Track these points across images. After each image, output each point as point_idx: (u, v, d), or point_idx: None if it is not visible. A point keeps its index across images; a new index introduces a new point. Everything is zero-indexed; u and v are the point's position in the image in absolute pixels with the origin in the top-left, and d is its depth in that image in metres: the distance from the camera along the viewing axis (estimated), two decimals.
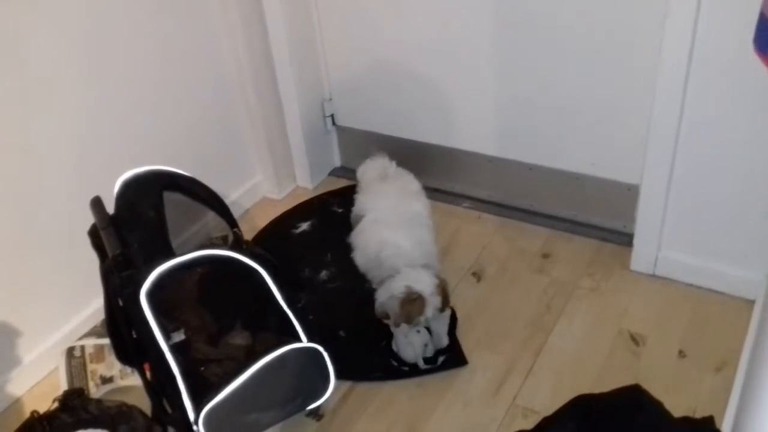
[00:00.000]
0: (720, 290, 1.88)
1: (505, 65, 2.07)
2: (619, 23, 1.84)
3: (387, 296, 1.71)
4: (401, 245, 1.80)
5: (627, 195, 2.02)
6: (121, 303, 1.48)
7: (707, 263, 1.89)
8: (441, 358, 1.80)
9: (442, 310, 1.75)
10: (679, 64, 1.66)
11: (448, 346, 1.82)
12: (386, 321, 1.75)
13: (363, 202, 2.00)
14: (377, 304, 1.75)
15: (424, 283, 1.69)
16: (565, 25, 1.91)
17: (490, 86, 2.12)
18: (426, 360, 1.79)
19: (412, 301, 1.67)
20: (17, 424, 1.51)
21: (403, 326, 1.73)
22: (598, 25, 1.87)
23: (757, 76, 1.56)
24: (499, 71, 2.09)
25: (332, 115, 2.50)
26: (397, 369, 1.79)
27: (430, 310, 1.69)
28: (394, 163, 2.08)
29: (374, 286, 1.82)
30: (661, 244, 1.94)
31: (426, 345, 1.78)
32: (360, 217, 1.95)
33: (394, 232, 1.83)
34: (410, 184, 2.01)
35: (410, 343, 1.77)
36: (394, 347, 1.82)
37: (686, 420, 1.33)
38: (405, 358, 1.79)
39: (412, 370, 1.78)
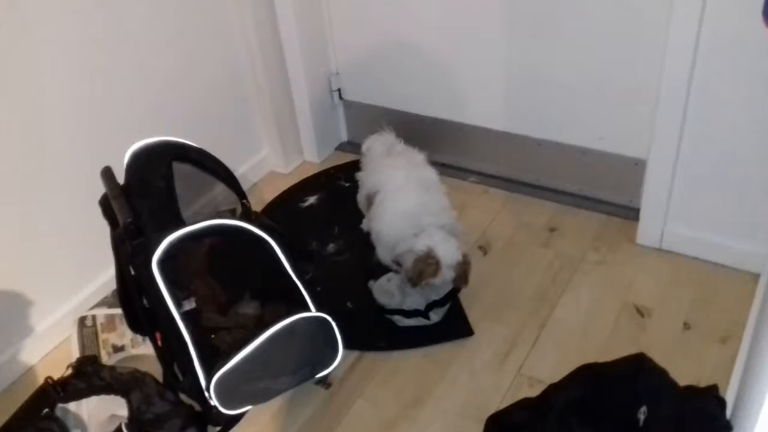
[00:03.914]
0: (725, 264, 1.89)
1: (514, 40, 2.06)
2: None
3: (406, 249, 1.73)
4: (429, 205, 1.82)
5: (634, 169, 2.03)
6: (132, 271, 1.50)
7: (713, 237, 1.90)
8: (434, 315, 1.82)
9: (456, 288, 1.79)
10: (688, 38, 1.66)
11: (452, 314, 1.84)
12: (395, 268, 1.78)
13: (374, 178, 1.99)
14: (394, 254, 1.78)
15: (448, 253, 1.71)
16: None
17: (497, 61, 2.12)
18: (419, 313, 1.81)
19: (428, 264, 1.70)
20: (32, 390, 1.55)
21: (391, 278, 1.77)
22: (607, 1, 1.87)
23: (766, 49, 1.57)
24: (508, 46, 2.08)
25: (339, 90, 2.50)
26: (403, 340, 1.81)
27: (439, 280, 1.71)
28: (400, 139, 2.08)
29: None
30: (667, 218, 1.94)
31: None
32: (374, 194, 1.94)
33: (419, 196, 1.84)
34: (416, 156, 2.02)
35: (385, 291, 1.82)
36: (376, 296, 1.87)
37: (690, 388, 1.34)
38: (384, 304, 1.83)
39: (418, 339, 1.80)
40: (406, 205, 1.83)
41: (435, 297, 1.81)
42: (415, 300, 1.82)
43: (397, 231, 1.81)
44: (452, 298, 1.85)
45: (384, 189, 1.91)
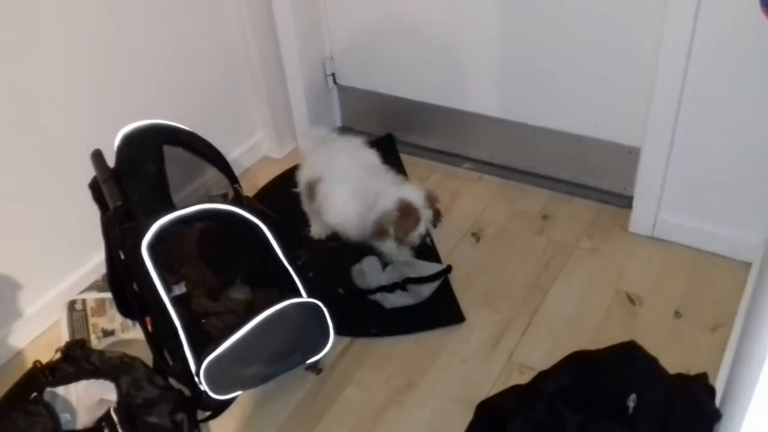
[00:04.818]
0: (718, 252, 1.90)
1: (509, 26, 2.05)
2: None
3: (381, 212, 1.74)
4: (374, 177, 1.84)
5: (628, 157, 2.02)
6: (122, 255, 1.49)
7: (706, 226, 1.90)
8: (425, 290, 1.84)
9: (435, 224, 1.81)
10: (684, 26, 1.65)
11: (444, 300, 1.85)
12: (382, 239, 1.78)
13: (314, 165, 1.93)
14: (371, 224, 1.77)
15: (415, 195, 1.75)
16: None
17: (493, 47, 2.11)
18: (398, 286, 1.83)
19: (408, 215, 1.72)
20: (20, 374, 1.54)
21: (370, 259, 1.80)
22: None
23: (762, 38, 1.56)
24: (503, 32, 2.07)
25: (333, 74, 2.48)
26: (394, 326, 1.80)
27: (423, 225, 1.75)
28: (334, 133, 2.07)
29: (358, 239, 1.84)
30: (660, 207, 1.94)
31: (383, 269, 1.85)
32: (316, 180, 1.88)
33: (363, 174, 1.84)
34: (354, 140, 2.01)
35: (360, 272, 1.85)
36: (357, 282, 1.87)
37: (679, 376, 1.35)
38: (363, 286, 1.85)
39: (409, 325, 1.80)
40: (353, 185, 1.83)
41: (412, 273, 1.83)
42: (392, 276, 1.84)
43: (354, 211, 1.82)
44: (443, 275, 1.87)
45: (326, 176, 1.87)
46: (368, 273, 1.84)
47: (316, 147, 2.01)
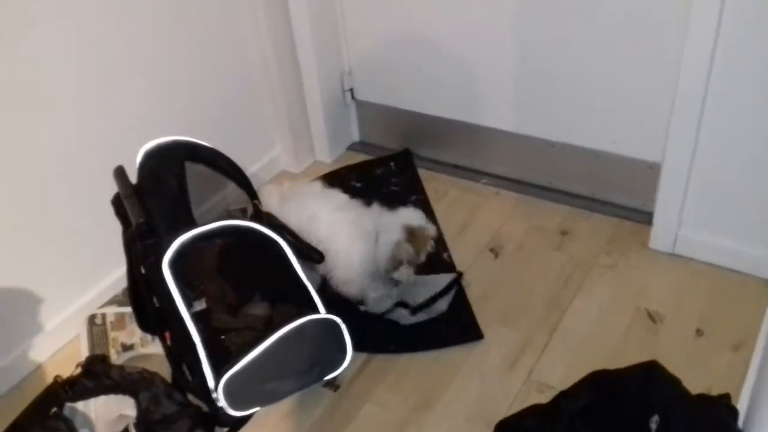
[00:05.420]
0: (739, 270, 1.87)
1: (527, 40, 2.05)
2: None
3: (390, 246, 1.71)
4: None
5: (648, 173, 2.01)
6: (143, 271, 1.50)
7: (727, 242, 1.88)
8: (442, 303, 1.85)
9: (435, 239, 1.81)
10: (706, 41, 1.64)
11: (462, 317, 1.84)
12: (398, 271, 1.75)
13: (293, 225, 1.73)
14: (385, 261, 1.74)
15: (414, 216, 1.76)
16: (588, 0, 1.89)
17: (511, 61, 2.11)
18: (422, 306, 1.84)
19: (416, 237, 1.72)
20: (40, 388, 1.55)
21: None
22: (622, 0, 1.84)
23: None
24: (521, 46, 2.07)
25: (351, 89, 2.49)
26: (412, 342, 1.80)
27: (431, 242, 1.76)
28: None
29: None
30: (681, 223, 1.92)
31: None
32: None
33: (358, 220, 1.80)
34: (314, 185, 1.94)
35: (376, 299, 1.83)
36: (365, 308, 1.86)
37: (702, 397, 1.33)
38: (382, 309, 1.84)
39: (428, 341, 1.80)
40: (346, 234, 1.78)
41: (424, 291, 1.84)
42: (403, 295, 1.84)
43: (358, 259, 1.77)
44: (453, 285, 1.88)
45: (314, 235, 1.77)
46: (378, 299, 1.83)
47: (281, 203, 1.87)
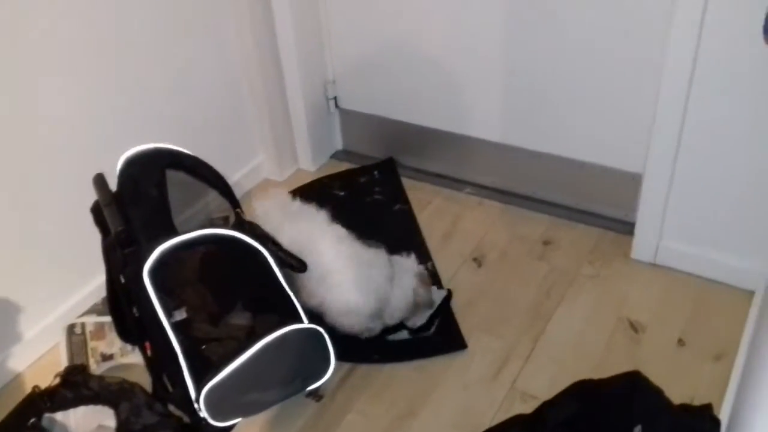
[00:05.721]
0: (720, 280, 1.89)
1: (512, 51, 2.06)
2: (627, 11, 1.83)
3: (409, 289, 1.74)
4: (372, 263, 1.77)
5: (629, 184, 2.02)
6: (123, 280, 1.48)
7: (708, 253, 1.89)
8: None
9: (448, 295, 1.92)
10: (686, 54, 1.66)
11: (446, 327, 1.85)
12: (415, 316, 1.81)
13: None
14: (406, 309, 1.77)
15: (413, 264, 1.81)
16: (572, 12, 1.90)
17: (495, 72, 2.11)
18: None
19: (422, 280, 1.79)
20: (18, 398, 1.53)
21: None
22: (606, 13, 1.86)
23: (764, 66, 1.57)
24: (506, 57, 2.08)
25: (335, 98, 2.49)
26: (396, 352, 1.79)
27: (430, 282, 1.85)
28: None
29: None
30: (662, 234, 1.94)
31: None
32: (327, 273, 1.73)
33: (368, 267, 1.76)
34: (309, 209, 1.89)
35: (371, 328, 1.82)
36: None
37: (684, 407, 1.33)
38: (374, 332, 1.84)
39: (411, 351, 1.80)
40: (351, 280, 1.71)
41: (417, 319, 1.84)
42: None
43: (366, 308, 1.73)
44: (443, 307, 1.88)
45: (313, 272, 1.69)
46: (374, 328, 1.81)
47: (280, 221, 1.78)
